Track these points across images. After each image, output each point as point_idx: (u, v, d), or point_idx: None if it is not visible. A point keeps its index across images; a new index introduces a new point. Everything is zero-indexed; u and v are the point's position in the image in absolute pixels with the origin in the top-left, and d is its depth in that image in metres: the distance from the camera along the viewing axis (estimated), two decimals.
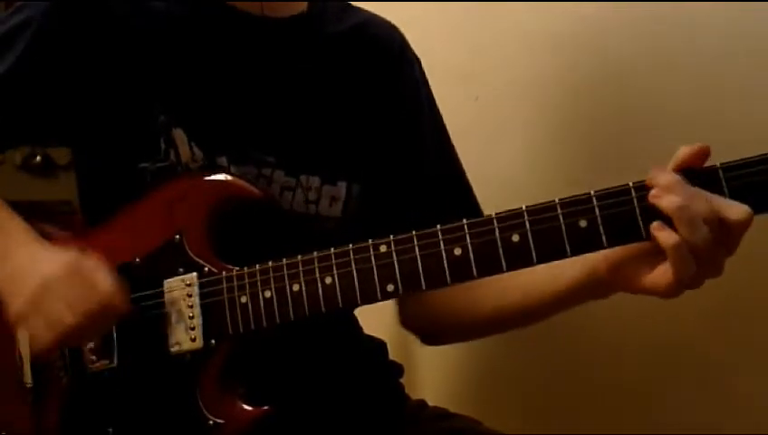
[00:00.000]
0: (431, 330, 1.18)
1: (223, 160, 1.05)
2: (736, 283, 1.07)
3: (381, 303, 0.96)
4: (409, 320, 1.18)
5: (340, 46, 1.14)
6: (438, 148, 1.19)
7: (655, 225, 0.79)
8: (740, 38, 1.15)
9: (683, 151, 0.81)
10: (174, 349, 0.99)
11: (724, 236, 0.78)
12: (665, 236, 0.79)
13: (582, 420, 1.34)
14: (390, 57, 1.18)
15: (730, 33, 1.16)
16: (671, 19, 1.22)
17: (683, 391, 1.21)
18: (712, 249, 0.78)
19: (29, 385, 1.01)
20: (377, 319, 1.27)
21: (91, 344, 1.02)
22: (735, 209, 0.78)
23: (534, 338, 1.40)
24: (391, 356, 1.24)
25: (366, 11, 1.21)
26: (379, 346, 1.23)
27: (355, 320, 1.22)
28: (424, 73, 1.22)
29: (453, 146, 1.20)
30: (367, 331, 1.24)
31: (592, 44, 1.32)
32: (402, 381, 1.23)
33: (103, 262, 0.96)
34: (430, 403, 1.22)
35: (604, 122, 1.32)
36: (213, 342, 0.98)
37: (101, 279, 0.94)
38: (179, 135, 1.05)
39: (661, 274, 0.83)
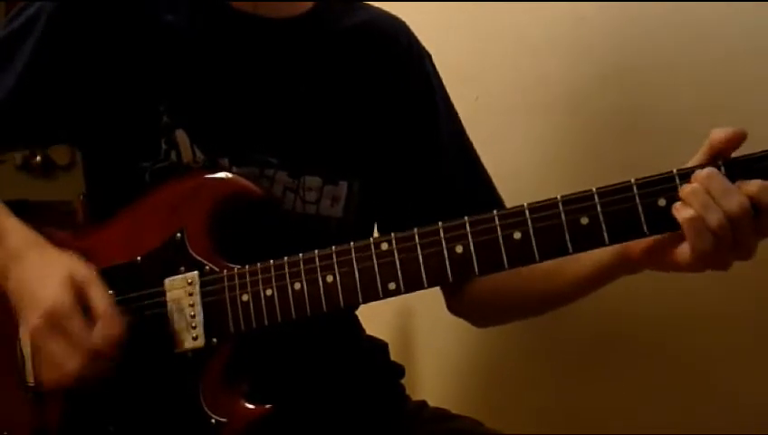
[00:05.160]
0: (480, 315, 1.19)
1: (225, 162, 1.05)
2: (726, 283, 1.07)
3: (383, 304, 0.96)
4: (457, 307, 1.18)
5: (346, 44, 1.14)
6: (456, 144, 1.18)
7: (676, 205, 0.81)
8: (741, 37, 1.15)
9: (716, 137, 0.81)
10: (176, 348, 0.99)
11: (755, 218, 0.79)
12: (681, 211, 0.80)
13: (582, 420, 1.34)
14: (398, 52, 1.17)
15: (731, 33, 1.16)
16: (671, 19, 1.22)
17: (676, 390, 1.22)
18: (731, 229, 0.79)
19: (31, 384, 1.01)
20: (378, 320, 1.27)
21: None
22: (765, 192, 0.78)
23: (535, 339, 1.41)
24: (392, 357, 1.24)
25: (372, 8, 1.21)
26: (380, 347, 1.23)
27: (357, 321, 1.22)
28: (435, 68, 1.21)
29: (470, 141, 1.19)
30: (368, 332, 1.23)
31: (592, 44, 1.32)
32: (403, 381, 1.23)
33: (99, 280, 0.95)
34: (431, 404, 1.22)
35: (604, 122, 1.32)
36: (215, 340, 0.98)
37: (100, 304, 0.93)
38: (182, 137, 1.05)
39: (684, 249, 0.83)
